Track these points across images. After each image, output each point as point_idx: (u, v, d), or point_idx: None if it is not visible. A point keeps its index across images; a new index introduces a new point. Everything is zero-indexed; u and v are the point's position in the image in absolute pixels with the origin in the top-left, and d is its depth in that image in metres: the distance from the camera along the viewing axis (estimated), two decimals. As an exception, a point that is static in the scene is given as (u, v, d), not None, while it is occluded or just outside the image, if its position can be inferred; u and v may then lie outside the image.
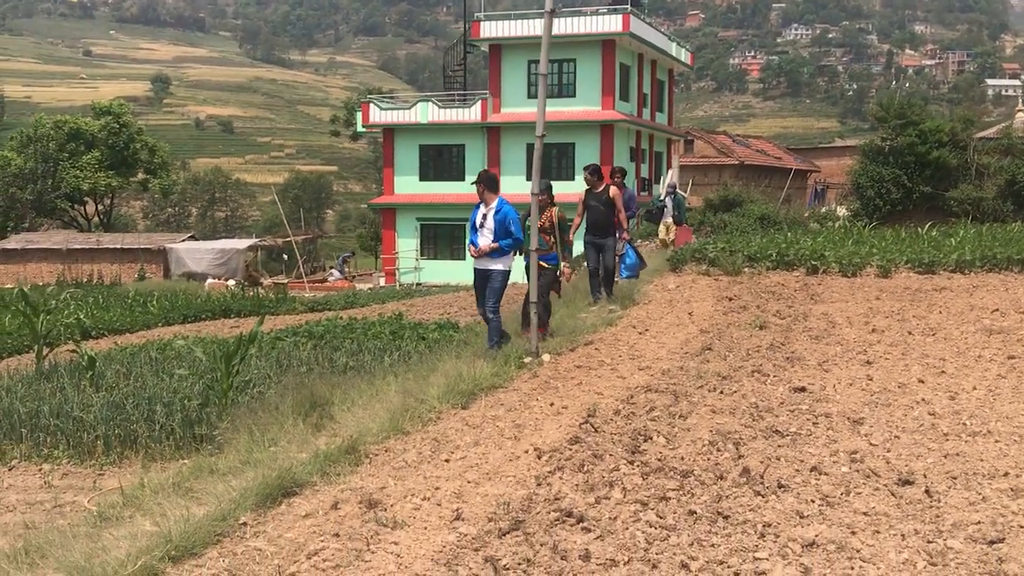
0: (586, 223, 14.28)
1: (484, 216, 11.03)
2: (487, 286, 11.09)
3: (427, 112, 46.21)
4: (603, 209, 14.10)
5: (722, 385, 8.52)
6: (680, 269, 17.68)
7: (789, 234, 22.03)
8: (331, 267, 54.02)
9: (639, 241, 26.60)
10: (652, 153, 50.09)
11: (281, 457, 6.59)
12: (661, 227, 24.01)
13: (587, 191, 14.27)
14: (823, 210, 37.15)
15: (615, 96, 44.18)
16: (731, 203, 35.09)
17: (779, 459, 6.21)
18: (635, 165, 46.72)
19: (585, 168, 14.38)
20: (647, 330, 12.30)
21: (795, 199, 55.29)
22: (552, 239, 12.10)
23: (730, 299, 14.50)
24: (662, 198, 24.46)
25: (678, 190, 25.43)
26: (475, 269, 11.29)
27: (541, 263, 11.61)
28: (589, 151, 43.20)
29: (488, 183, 11.10)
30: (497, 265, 11.06)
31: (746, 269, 17.17)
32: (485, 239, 11.01)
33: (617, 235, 14.30)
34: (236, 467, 6.62)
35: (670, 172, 33.68)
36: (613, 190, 14.17)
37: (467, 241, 11.42)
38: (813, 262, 16.96)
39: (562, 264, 12.21)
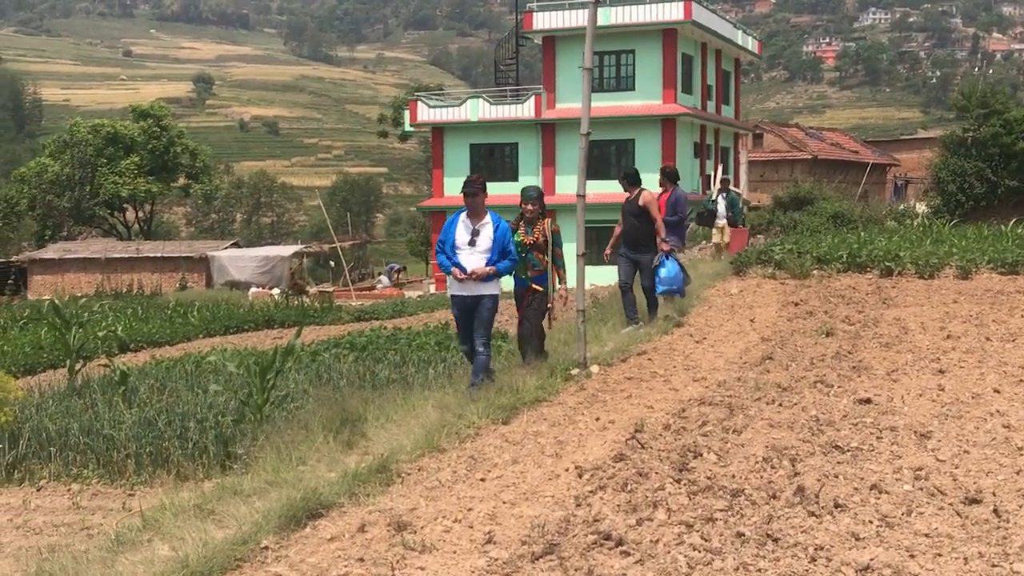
0: (623, 236, 13.41)
1: (476, 232, 9.82)
2: (475, 316, 9.91)
3: (477, 109, 46.38)
4: (636, 220, 13.13)
5: (781, 397, 8.44)
6: (744, 272, 17.56)
7: (863, 233, 21.76)
8: (380, 274, 54.41)
9: (691, 247, 25.67)
10: (718, 148, 49.78)
11: (308, 477, 6.64)
12: (715, 230, 23.21)
13: (626, 199, 13.43)
14: (901, 207, 36.64)
15: (677, 88, 44.00)
16: (802, 201, 34.80)
17: (837, 476, 6.13)
18: (699, 161, 46.47)
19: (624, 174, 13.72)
20: (705, 338, 12.22)
21: (873, 195, 54.61)
22: (545, 257, 10.87)
23: (796, 304, 14.38)
24: (713, 198, 23.49)
25: (732, 187, 24.37)
26: (457, 296, 9.99)
27: (533, 286, 10.80)
28: (650, 148, 43.06)
29: (480, 189, 9.82)
30: (488, 290, 9.89)
31: (815, 272, 17.01)
32: (477, 260, 9.79)
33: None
34: (261, 487, 6.68)
35: (719, 168, 32.96)
36: (646, 195, 13.19)
37: (438, 261, 10.13)
38: (887, 263, 16.76)
39: (558, 285, 10.96)
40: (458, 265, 9.83)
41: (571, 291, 11.20)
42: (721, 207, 22.85)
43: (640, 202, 13.07)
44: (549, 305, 10.90)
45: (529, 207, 10.78)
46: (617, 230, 13.54)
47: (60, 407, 12.75)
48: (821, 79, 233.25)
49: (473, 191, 9.77)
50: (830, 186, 44.75)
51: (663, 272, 13.38)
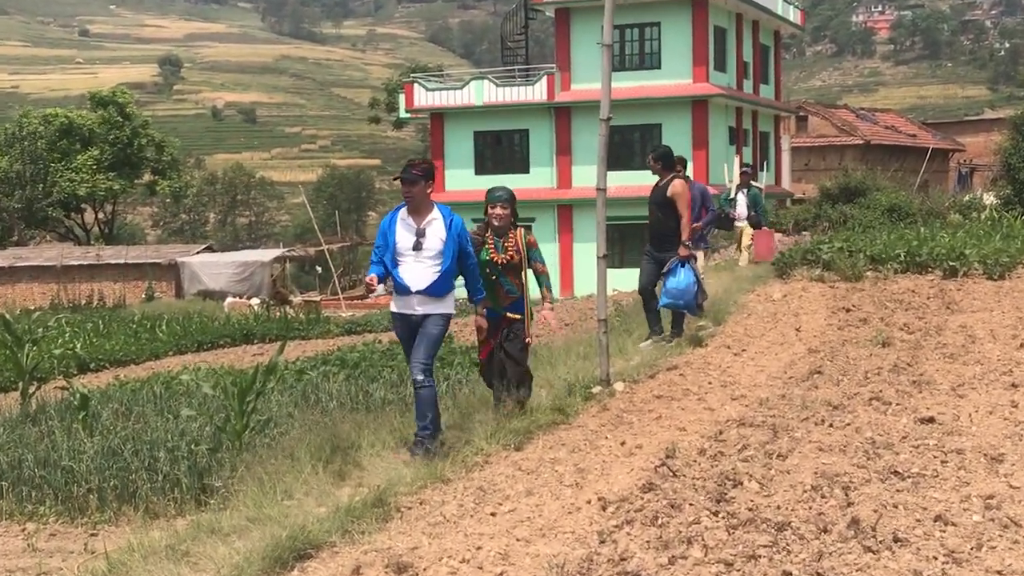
0: (648, 231, 13.05)
1: (421, 232, 8.55)
2: (422, 332, 8.60)
3: (483, 92, 46.46)
4: (661, 213, 12.71)
5: (832, 416, 8.44)
6: (787, 275, 17.56)
7: (923, 229, 21.74)
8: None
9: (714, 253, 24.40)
10: (756, 133, 49.79)
11: (295, 512, 6.67)
12: (745, 233, 22.22)
13: (654, 186, 13.01)
14: (966, 198, 36.58)
15: (709, 66, 44.01)
16: (853, 192, 34.80)
17: (896, 507, 6.13)
18: (736, 148, 46.47)
19: (653, 154, 13.25)
20: (744, 350, 12.23)
21: (934, 185, 54.60)
22: (520, 281, 9.56)
23: (847, 310, 14.39)
24: (731, 195, 22.40)
25: (752, 181, 23.05)
26: (399, 315, 8.75)
27: (509, 315, 9.53)
28: (679, 133, 43.07)
29: (422, 176, 8.64)
30: (440, 308, 8.63)
31: (868, 273, 17.01)
32: (424, 270, 8.56)
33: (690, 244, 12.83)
34: (242, 525, 6.71)
35: (737, 159, 32.09)
36: (676, 185, 12.70)
37: (375, 274, 8.75)
38: (951, 263, 16.73)
39: (544, 305, 9.74)
40: (395, 279, 8.61)
41: (556, 304, 10.88)
42: (741, 205, 22.00)
43: (668, 192, 12.62)
44: (528, 341, 9.64)
45: (498, 211, 9.42)
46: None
47: (12, 436, 12.77)
48: (873, 53, 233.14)
49: (411, 178, 8.50)
50: (885, 175, 44.68)
51: (672, 281, 12.58)
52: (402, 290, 8.57)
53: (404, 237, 8.55)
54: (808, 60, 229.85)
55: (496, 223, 9.43)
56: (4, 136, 62.02)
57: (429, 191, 8.61)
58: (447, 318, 8.71)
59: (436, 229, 8.55)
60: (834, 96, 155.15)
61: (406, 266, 8.54)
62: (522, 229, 9.62)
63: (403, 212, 8.65)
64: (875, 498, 6.28)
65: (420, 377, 8.43)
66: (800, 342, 12.53)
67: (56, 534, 10.21)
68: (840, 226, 28.47)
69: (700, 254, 14.39)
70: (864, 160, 56.95)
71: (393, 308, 8.73)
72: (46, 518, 10.58)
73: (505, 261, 9.42)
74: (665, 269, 12.62)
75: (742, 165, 25.60)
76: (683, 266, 12.57)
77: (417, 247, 8.50)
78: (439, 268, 8.51)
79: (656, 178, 13.05)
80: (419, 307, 8.54)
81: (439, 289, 8.54)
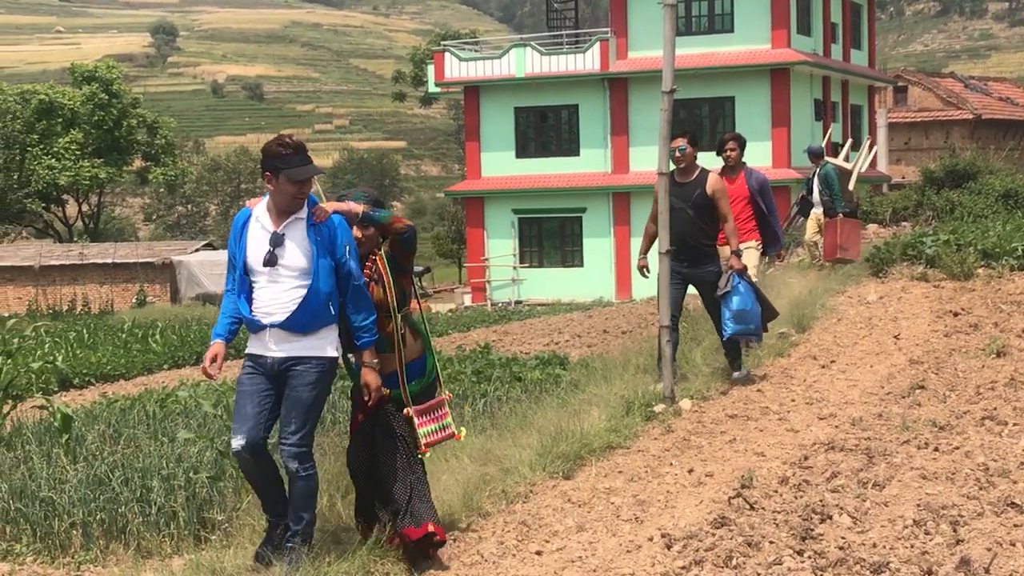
0: (675, 240, 11.39)
1: (278, 239, 6.77)
2: (286, 393, 6.85)
3: (524, 62, 46.47)
4: (691, 214, 11.44)
5: (938, 439, 8.41)
6: (885, 273, 17.51)
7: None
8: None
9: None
10: (846, 107, 49.56)
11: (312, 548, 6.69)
12: (811, 223, 21.08)
13: (676, 180, 11.59)
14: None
15: (791, 29, 43.84)
16: (962, 175, 34.48)
17: (1014, 544, 6.11)
18: (823, 125, 46.24)
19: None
20: (832, 362, 12.19)
21: (1058, 166, 54.02)
22: (388, 329, 7.15)
23: (955, 314, 14.36)
24: (836, 164, 21.18)
25: (829, 157, 21.69)
26: (256, 357, 6.88)
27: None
28: (755, 107, 42.98)
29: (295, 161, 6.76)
30: (306, 349, 6.82)
31: (980, 271, 17.02)
32: (282, 291, 6.78)
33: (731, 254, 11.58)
34: (248, 565, 6.74)
35: (828, 131, 31.01)
36: (713, 181, 11.59)
37: (222, 308, 7.08)
38: (1078, 258, 16.66)
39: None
40: (240, 314, 6.89)
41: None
42: (815, 190, 20.53)
43: (708, 189, 11.50)
44: (421, 448, 7.17)
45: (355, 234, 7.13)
46: (650, 229, 11.76)
47: (-16, 462, 12.91)
48: (984, 12, 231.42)
49: (283, 158, 6.76)
50: (999, 155, 44.35)
51: (735, 302, 11.50)
52: (252, 325, 6.86)
53: (255, 246, 6.83)
54: (907, 21, 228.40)
55: (361, 241, 7.17)
56: (-27, 117, 62.50)
57: (308, 183, 6.84)
58: (323, 368, 6.85)
59: (297, 235, 6.79)
60: (939, 63, 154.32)
61: (260, 289, 6.83)
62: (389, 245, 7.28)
63: (260, 209, 6.95)
64: (988, 534, 6.25)
65: (294, 466, 6.77)
66: (900, 352, 12.48)
67: (35, 575, 10.32)
68: (946, 215, 28.27)
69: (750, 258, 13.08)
70: (974, 138, 56.56)
71: (248, 348, 6.96)
72: (23, 557, 10.67)
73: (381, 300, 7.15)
74: (721, 290, 11.56)
75: (820, 142, 25.06)
76: (740, 281, 11.59)
77: (271, 262, 6.77)
78: (303, 289, 6.75)
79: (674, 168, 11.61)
80: (276, 347, 6.79)
81: (305, 322, 6.77)
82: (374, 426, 7.15)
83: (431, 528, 6.84)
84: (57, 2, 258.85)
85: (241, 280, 6.82)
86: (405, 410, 7.04)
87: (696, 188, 11.41)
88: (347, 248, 6.80)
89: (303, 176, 6.70)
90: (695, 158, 11.62)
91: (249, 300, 6.82)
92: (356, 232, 7.02)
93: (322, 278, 6.70)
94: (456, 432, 7.37)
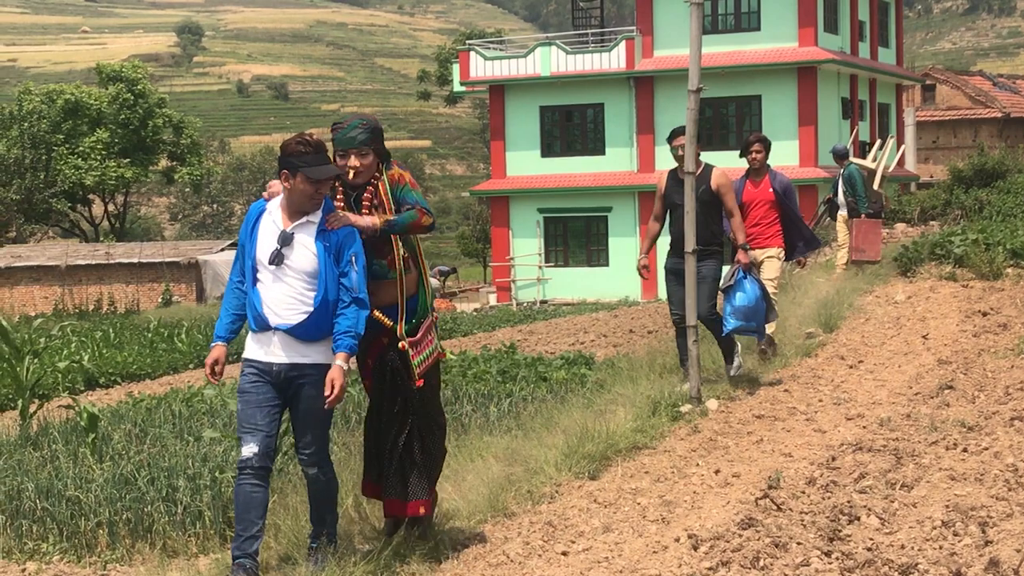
0: (669, 236, 11.59)
1: (286, 238, 6.63)
2: (295, 407, 6.78)
3: (550, 60, 46.50)
4: (699, 212, 11.07)
5: (967, 440, 8.38)
6: (913, 272, 17.47)
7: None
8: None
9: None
10: (874, 105, 49.39)
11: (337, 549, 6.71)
12: (840, 225, 20.76)
13: (669, 174, 11.73)
14: None
15: (818, 27, 43.76)
16: (990, 174, 34.33)
17: (1044, 546, 6.08)
18: (850, 123, 46.10)
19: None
20: (860, 362, 12.17)
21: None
22: (392, 256, 7.08)
23: (984, 314, 14.33)
24: (868, 164, 21.42)
25: (853, 158, 21.46)
26: (253, 363, 6.75)
27: (384, 319, 7.01)
28: (782, 106, 42.90)
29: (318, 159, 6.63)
30: (321, 356, 6.65)
31: (1009, 270, 17.03)
32: (287, 293, 6.63)
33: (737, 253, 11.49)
34: (274, 565, 6.76)
35: (854, 132, 30.88)
36: (717, 175, 11.47)
37: (216, 342, 7.01)
38: (1109, 257, 16.59)
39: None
40: (254, 311, 6.73)
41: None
42: (840, 191, 20.41)
43: (712, 184, 11.38)
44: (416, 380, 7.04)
45: (353, 162, 7.00)
46: (653, 228, 11.93)
47: (10, 462, 12.94)
48: (1014, 9, 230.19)
49: (302, 157, 6.59)
50: (1029, 154, 44.21)
51: (739, 298, 11.36)
52: (259, 322, 6.71)
53: (265, 241, 6.70)
54: (935, 19, 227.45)
55: (352, 179, 7.01)
56: (1, 117, 62.59)
57: (326, 183, 6.71)
58: (328, 370, 6.63)
59: (305, 237, 6.65)
60: (967, 62, 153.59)
61: (264, 285, 6.68)
62: (397, 168, 7.39)
63: (274, 205, 6.81)
64: (1018, 535, 6.22)
65: (314, 471, 6.80)
66: (928, 352, 12.46)
67: (61, 574, 10.35)
68: (975, 215, 28.14)
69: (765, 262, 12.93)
70: (1003, 136, 56.33)
71: (247, 352, 6.79)
72: (49, 556, 10.72)
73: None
74: (725, 284, 11.48)
75: (844, 143, 24.87)
76: (746, 277, 11.46)
77: (277, 260, 6.61)
78: (309, 295, 6.61)
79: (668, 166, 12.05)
80: (283, 353, 6.64)
81: (314, 330, 6.64)
82: (407, 408, 7.08)
83: (421, 511, 7.00)
84: (83, 2, 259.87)
85: (252, 271, 6.70)
86: (400, 343, 6.88)
87: (700, 184, 11.17)
88: (352, 259, 6.64)
89: (321, 176, 6.57)
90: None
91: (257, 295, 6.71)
92: (354, 161, 6.92)
93: (330, 287, 6.57)
94: (441, 351, 7.36)
